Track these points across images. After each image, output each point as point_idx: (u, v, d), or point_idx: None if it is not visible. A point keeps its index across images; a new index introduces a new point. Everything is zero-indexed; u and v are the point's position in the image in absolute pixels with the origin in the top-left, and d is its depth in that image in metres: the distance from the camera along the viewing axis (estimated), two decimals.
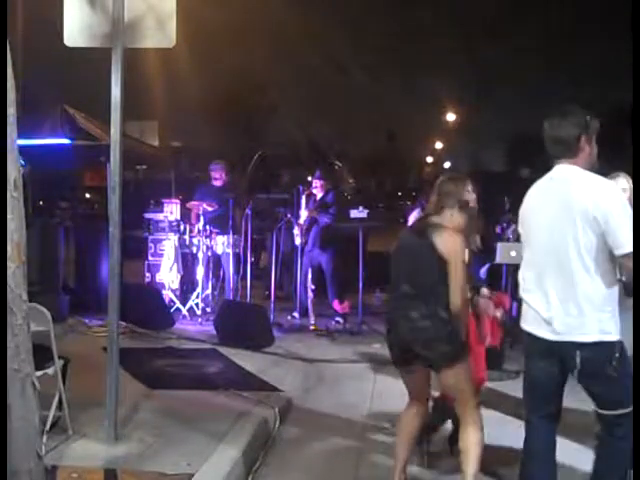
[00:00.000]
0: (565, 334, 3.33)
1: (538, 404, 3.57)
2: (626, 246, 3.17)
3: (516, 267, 8.16)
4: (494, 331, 4.53)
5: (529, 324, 3.51)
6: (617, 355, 3.27)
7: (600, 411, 3.40)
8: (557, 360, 3.41)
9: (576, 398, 3.80)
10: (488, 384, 6.21)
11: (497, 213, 9.67)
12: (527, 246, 3.59)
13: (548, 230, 3.40)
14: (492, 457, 4.67)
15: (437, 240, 3.74)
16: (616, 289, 3.35)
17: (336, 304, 8.97)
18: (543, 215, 3.45)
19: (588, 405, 3.61)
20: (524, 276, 3.57)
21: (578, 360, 3.29)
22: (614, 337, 3.29)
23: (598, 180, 3.36)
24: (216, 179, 9.51)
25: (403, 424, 4.10)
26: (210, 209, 9.05)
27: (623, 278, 3.35)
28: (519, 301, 7.27)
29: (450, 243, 3.75)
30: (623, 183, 4.44)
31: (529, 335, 3.50)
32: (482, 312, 4.39)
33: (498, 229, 9.22)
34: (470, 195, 4.00)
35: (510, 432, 5.17)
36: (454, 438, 4.40)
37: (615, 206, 3.23)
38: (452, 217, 3.89)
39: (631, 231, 3.17)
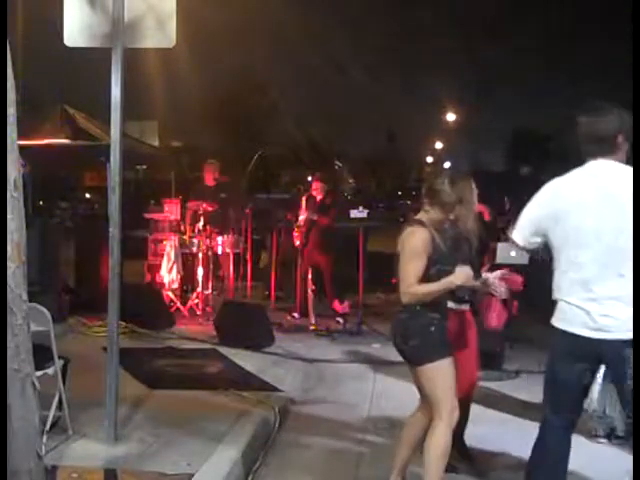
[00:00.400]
0: (616, 332, 3.23)
1: (564, 405, 3.48)
2: None
3: (515, 267, 8.15)
4: (500, 313, 4.48)
5: (570, 323, 3.37)
6: None
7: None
8: (596, 360, 3.34)
9: None
10: (488, 384, 6.24)
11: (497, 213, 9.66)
12: (566, 244, 3.40)
13: (597, 228, 3.29)
14: (491, 457, 4.69)
15: (402, 237, 3.78)
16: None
17: (336, 304, 8.97)
18: (590, 213, 3.30)
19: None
20: (565, 275, 3.41)
21: (629, 358, 3.19)
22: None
23: None
24: (209, 179, 9.57)
25: (406, 425, 4.06)
26: (210, 209, 9.05)
27: None
28: (519, 301, 7.31)
29: (406, 237, 3.76)
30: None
31: (569, 335, 3.37)
32: (491, 290, 4.33)
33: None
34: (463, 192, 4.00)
35: (509, 432, 5.18)
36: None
37: None
38: (428, 212, 3.85)
39: None
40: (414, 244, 3.72)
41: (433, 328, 3.74)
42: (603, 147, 3.31)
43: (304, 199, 9.15)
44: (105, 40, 4.47)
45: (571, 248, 3.38)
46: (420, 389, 3.89)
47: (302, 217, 9.07)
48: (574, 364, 3.38)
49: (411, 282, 3.69)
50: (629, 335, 3.21)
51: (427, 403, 3.89)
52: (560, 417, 3.47)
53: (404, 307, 3.77)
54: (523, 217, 3.57)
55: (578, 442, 4.69)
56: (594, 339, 3.29)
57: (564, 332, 3.40)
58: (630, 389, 3.25)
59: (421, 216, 3.86)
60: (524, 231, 3.57)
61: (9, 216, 3.06)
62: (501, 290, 4.26)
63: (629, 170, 3.29)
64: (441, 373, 3.73)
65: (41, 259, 7.71)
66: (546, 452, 3.50)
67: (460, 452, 4.43)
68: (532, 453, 3.55)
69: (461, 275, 3.68)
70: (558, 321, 3.45)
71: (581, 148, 3.39)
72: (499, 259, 7.72)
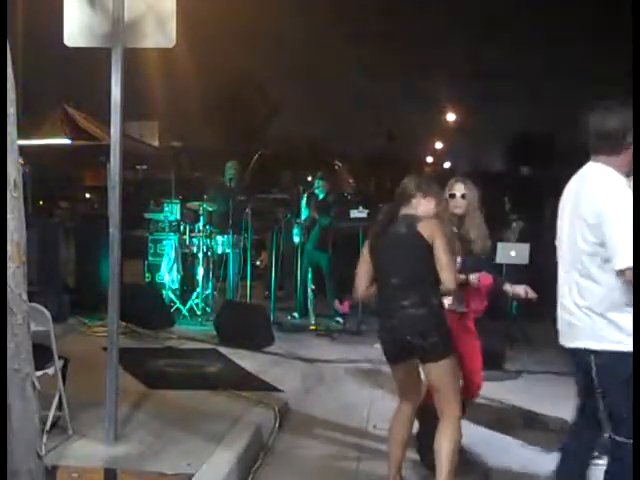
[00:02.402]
0: (577, 340, 3.23)
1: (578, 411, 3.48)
2: (620, 261, 2.99)
3: (516, 267, 8.17)
4: (481, 299, 4.50)
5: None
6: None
7: (612, 435, 3.20)
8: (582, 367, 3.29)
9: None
10: (488, 384, 6.23)
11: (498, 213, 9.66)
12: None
13: (565, 232, 3.32)
14: (491, 457, 4.69)
15: (421, 227, 3.79)
16: (616, 295, 3.12)
17: (336, 304, 8.97)
18: (564, 215, 3.36)
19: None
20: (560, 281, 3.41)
21: (594, 367, 3.16)
22: (616, 346, 3.11)
23: (609, 183, 3.13)
24: (232, 179, 9.54)
25: (394, 429, 4.05)
26: (210, 209, 9.05)
27: None
28: (519, 300, 7.27)
29: (436, 227, 3.80)
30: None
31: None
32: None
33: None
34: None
35: (509, 432, 5.19)
36: (425, 443, 4.33)
37: (611, 214, 3.03)
38: (420, 206, 3.94)
39: (627, 243, 2.95)
40: (445, 234, 3.81)
41: (447, 324, 3.79)
42: (609, 145, 3.20)
43: (305, 197, 9.15)
44: (105, 40, 4.47)
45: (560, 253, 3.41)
46: (433, 384, 3.87)
47: (303, 216, 9.08)
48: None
49: (455, 270, 3.80)
50: (591, 345, 3.15)
51: (408, 398, 3.99)
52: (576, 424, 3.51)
53: (419, 302, 3.73)
54: None
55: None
56: (568, 347, 3.30)
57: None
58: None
59: (413, 210, 3.94)
60: None
61: (9, 216, 3.06)
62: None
63: (604, 182, 3.15)
64: (455, 368, 3.81)
65: (41, 259, 7.71)
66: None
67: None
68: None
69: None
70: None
71: (588, 144, 3.29)
72: (499, 259, 7.74)
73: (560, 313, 3.34)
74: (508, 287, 4.43)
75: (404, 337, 3.76)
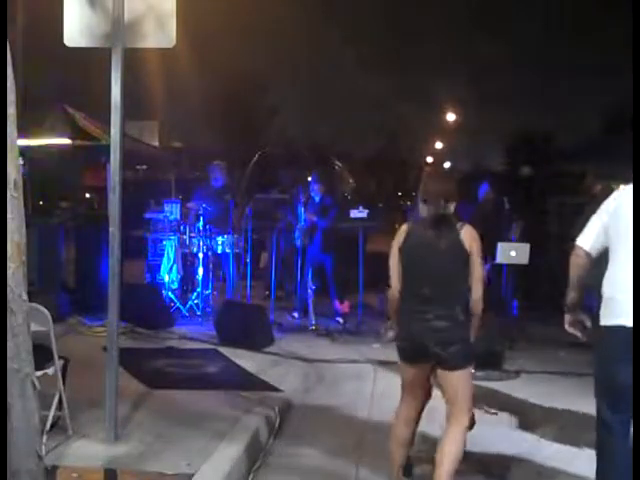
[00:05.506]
0: None
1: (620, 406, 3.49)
2: None
3: (516, 267, 8.15)
4: None
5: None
6: None
7: None
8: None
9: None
10: (488, 384, 6.24)
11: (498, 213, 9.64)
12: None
13: None
14: (491, 457, 4.69)
15: (463, 235, 3.73)
16: None
17: (337, 304, 8.97)
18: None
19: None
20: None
21: None
22: None
23: None
24: (215, 179, 9.48)
25: (397, 429, 4.04)
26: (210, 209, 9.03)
27: None
28: (519, 300, 7.25)
29: (474, 236, 3.75)
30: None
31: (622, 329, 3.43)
32: None
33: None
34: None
35: (509, 432, 5.19)
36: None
37: None
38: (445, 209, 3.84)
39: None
40: (479, 243, 3.77)
41: (470, 336, 3.78)
42: None
43: (303, 200, 9.14)
44: (105, 40, 4.47)
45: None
46: (446, 391, 3.86)
47: (301, 218, 9.07)
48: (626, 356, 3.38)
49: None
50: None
51: (412, 394, 4.00)
52: (618, 420, 3.49)
53: (445, 313, 3.69)
54: None
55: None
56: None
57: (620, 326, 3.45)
58: None
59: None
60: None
61: (9, 216, 3.06)
62: None
63: None
64: (469, 379, 3.82)
65: (41, 259, 7.71)
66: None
67: None
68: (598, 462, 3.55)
69: None
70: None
71: None
72: (499, 259, 7.74)
73: None
74: None
75: (424, 344, 3.75)
